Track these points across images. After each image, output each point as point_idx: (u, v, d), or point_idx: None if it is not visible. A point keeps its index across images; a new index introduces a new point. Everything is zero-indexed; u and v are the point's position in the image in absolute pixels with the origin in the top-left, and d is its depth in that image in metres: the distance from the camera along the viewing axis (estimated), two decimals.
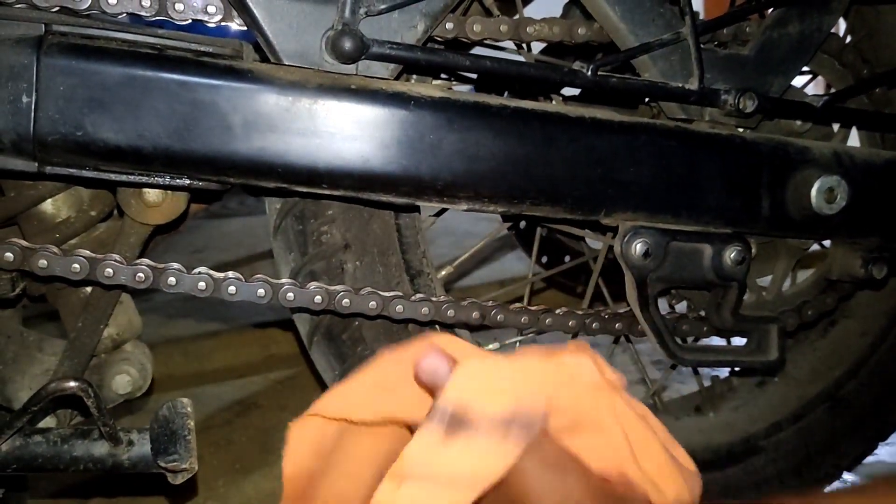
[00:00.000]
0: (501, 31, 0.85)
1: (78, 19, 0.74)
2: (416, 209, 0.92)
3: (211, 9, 0.78)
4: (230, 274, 0.82)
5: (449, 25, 0.83)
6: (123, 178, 0.76)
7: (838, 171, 0.90)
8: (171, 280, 0.81)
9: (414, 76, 0.87)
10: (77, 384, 0.68)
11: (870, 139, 1.06)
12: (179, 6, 0.77)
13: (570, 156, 0.81)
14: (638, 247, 0.86)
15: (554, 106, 0.83)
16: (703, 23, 0.85)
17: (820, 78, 1.08)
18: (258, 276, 0.84)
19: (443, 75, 0.99)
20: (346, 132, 0.75)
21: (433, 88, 0.79)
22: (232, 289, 0.82)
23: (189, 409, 0.74)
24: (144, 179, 0.77)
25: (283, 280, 0.84)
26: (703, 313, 0.97)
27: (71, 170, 0.74)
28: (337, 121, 0.75)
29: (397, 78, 0.80)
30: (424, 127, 0.77)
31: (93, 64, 0.71)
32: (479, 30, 0.84)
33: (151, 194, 0.82)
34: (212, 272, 0.81)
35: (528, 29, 0.87)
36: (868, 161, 0.92)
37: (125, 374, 0.91)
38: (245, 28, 0.78)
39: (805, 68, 0.99)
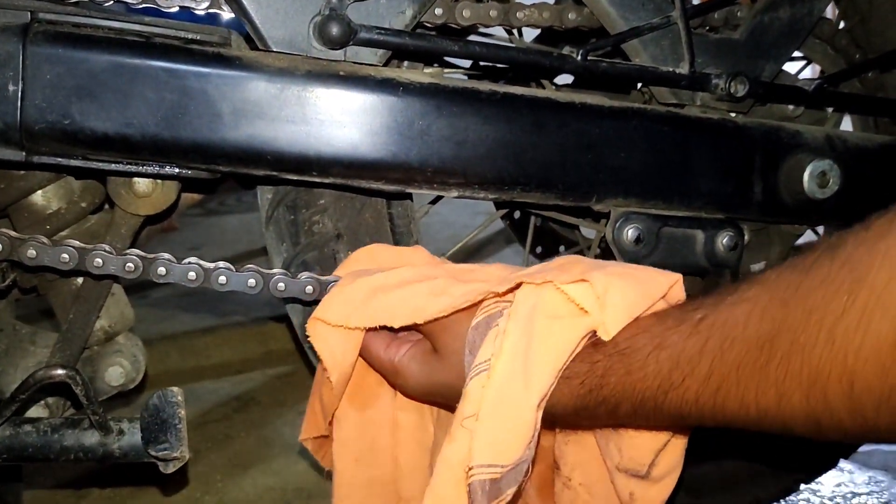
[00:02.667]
0: (491, 17, 0.85)
1: (65, 7, 0.74)
2: (408, 196, 0.91)
3: None
4: (220, 264, 0.82)
5: (438, 11, 0.82)
6: (112, 166, 0.76)
7: (831, 154, 0.89)
8: (162, 270, 0.80)
9: (405, 63, 0.87)
10: (65, 372, 0.68)
11: (862, 124, 1.05)
12: None
13: (561, 141, 0.81)
14: (630, 233, 0.86)
15: (544, 91, 0.83)
16: (693, 7, 0.84)
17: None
18: (249, 265, 0.83)
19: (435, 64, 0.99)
20: (335, 119, 0.75)
21: (422, 74, 0.79)
22: (222, 279, 0.82)
23: (180, 397, 0.74)
24: (133, 168, 0.76)
25: (275, 270, 0.84)
26: None
27: (59, 159, 0.74)
28: (326, 107, 0.75)
29: (386, 64, 0.79)
30: (413, 113, 0.77)
31: (79, 52, 0.71)
32: (468, 15, 0.84)
33: (141, 184, 0.82)
34: (202, 262, 0.81)
35: (518, 14, 0.87)
36: (860, 145, 0.92)
37: (118, 366, 0.91)
38: (233, 15, 0.78)
39: (799, 54, 0.99)
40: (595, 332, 0.62)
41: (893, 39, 1.03)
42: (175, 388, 0.74)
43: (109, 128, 0.72)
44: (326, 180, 0.78)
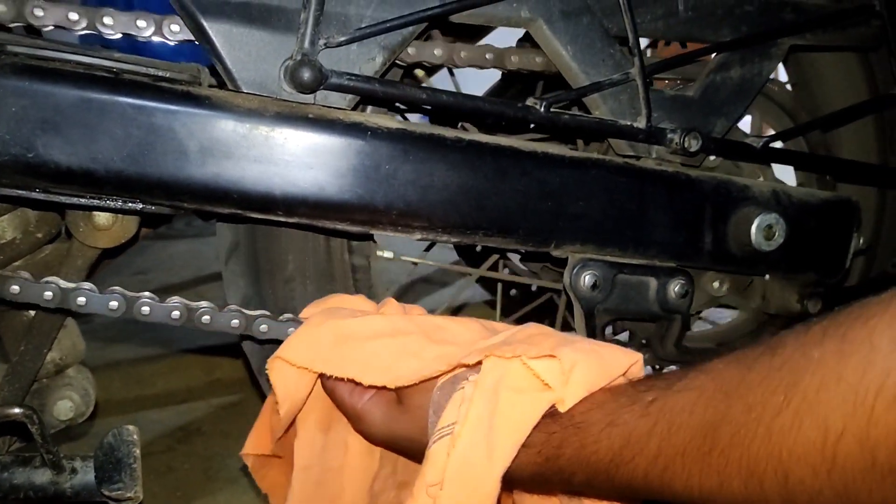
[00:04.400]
0: (436, 55, 0.88)
1: (34, 40, 0.73)
2: (371, 238, 0.92)
3: (141, 23, 0.78)
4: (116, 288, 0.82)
5: (437, 52, 0.86)
6: (74, 200, 0.75)
7: (777, 209, 0.93)
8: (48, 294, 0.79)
9: (369, 107, 0.88)
10: (21, 411, 0.67)
11: (806, 179, 1.10)
12: (108, 20, 0.77)
13: (522, 189, 0.83)
14: (586, 279, 0.88)
15: (507, 139, 0.85)
16: (651, 65, 0.88)
17: None
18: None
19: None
20: (302, 160, 0.76)
21: (390, 119, 0.80)
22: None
23: (135, 436, 0.73)
24: (96, 203, 0.76)
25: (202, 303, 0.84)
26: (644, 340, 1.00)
27: (20, 191, 0.73)
28: (294, 149, 0.76)
29: (355, 108, 0.81)
30: (380, 157, 0.78)
31: (47, 85, 0.70)
32: (413, 53, 0.87)
33: (101, 217, 0.81)
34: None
35: (461, 54, 0.90)
36: (804, 200, 0.96)
37: (67, 400, 0.89)
38: (187, 40, 0.79)
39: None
40: (554, 404, 0.64)
41: (834, 101, 1.09)
42: (131, 427, 0.73)
43: (74, 162, 0.71)
44: (291, 220, 0.79)
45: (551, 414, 0.63)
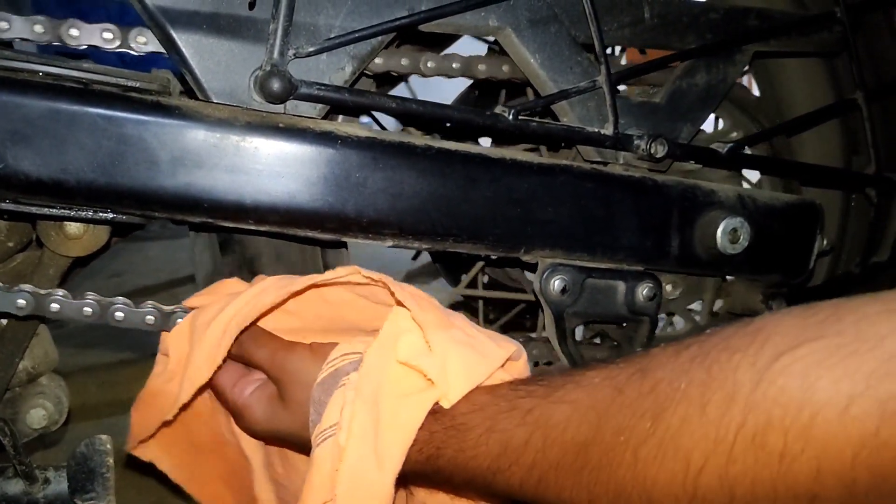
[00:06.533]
0: (402, 65, 0.89)
1: (1, 51, 0.73)
2: (343, 245, 0.93)
3: (107, 35, 0.78)
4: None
5: (431, 63, 0.87)
6: (45, 211, 0.75)
7: (742, 213, 0.95)
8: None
9: (340, 116, 0.89)
10: None
11: (771, 183, 1.12)
12: (74, 32, 0.77)
13: (492, 195, 0.84)
14: (556, 283, 0.90)
15: (476, 147, 0.86)
16: (617, 72, 0.89)
17: None
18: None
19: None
20: (273, 170, 0.77)
21: (360, 128, 0.81)
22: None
23: (108, 446, 0.73)
24: (66, 213, 0.76)
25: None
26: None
27: None
28: (264, 158, 0.76)
29: (325, 117, 0.81)
30: (350, 165, 0.79)
31: (15, 97, 0.70)
32: (380, 62, 0.88)
33: (72, 227, 0.81)
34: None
35: (428, 63, 0.91)
36: (769, 204, 0.98)
37: (40, 408, 0.89)
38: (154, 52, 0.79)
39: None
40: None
41: (799, 106, 1.11)
42: (103, 437, 0.73)
43: (44, 173, 0.71)
44: (263, 228, 0.79)
45: (433, 412, 0.64)
